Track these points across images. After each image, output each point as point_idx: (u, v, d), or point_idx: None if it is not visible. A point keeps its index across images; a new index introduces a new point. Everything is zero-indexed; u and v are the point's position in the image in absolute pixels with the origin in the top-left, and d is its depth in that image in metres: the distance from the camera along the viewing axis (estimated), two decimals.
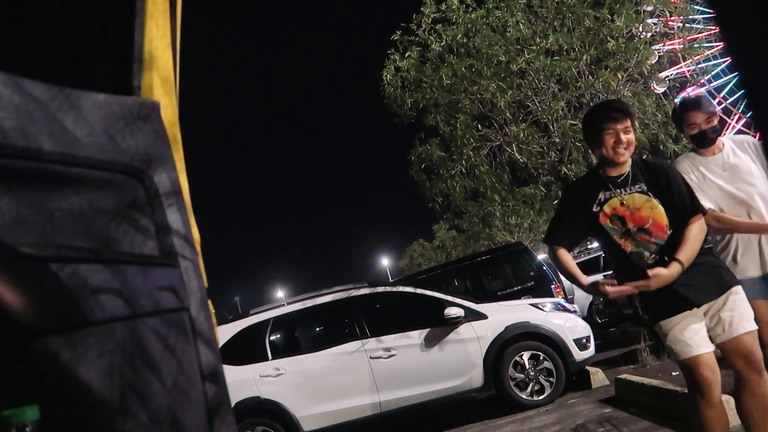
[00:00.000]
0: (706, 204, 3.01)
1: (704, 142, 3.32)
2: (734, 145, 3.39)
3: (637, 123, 7.57)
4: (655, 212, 2.67)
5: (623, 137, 2.68)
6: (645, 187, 2.70)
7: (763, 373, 2.57)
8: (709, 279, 2.68)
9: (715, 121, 3.32)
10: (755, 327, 2.64)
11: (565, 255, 2.87)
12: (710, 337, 2.67)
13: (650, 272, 2.57)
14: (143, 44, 1.17)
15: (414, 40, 8.66)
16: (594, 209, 2.75)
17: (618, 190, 2.73)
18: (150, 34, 1.18)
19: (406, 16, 8.75)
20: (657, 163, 2.87)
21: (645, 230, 2.68)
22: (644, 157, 2.94)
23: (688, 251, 2.61)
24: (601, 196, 2.74)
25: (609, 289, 2.63)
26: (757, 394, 2.56)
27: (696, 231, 2.66)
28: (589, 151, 7.89)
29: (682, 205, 2.70)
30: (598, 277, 12.83)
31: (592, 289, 2.72)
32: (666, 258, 2.63)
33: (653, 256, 2.68)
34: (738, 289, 2.70)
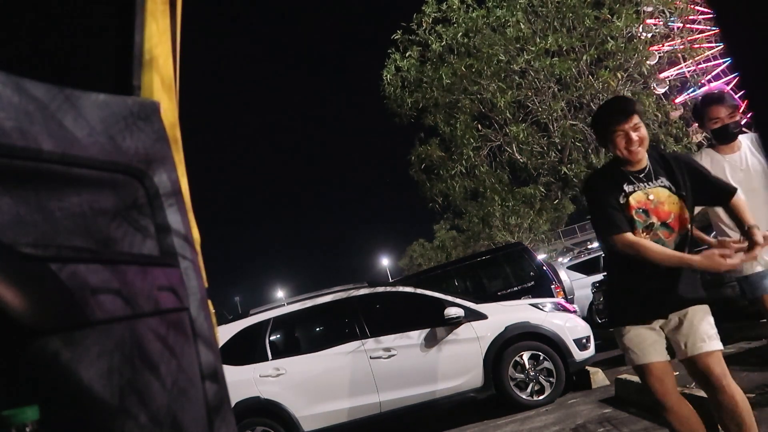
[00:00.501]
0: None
1: (726, 137, 3.29)
2: (750, 143, 3.36)
3: None
4: (677, 207, 2.65)
5: (633, 135, 2.63)
6: (667, 182, 2.68)
7: (726, 388, 2.54)
8: (682, 288, 2.64)
9: (738, 116, 3.29)
10: (715, 348, 2.58)
11: (640, 239, 2.63)
12: (672, 346, 2.67)
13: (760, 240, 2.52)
14: (143, 44, 1.17)
15: (414, 39, 8.66)
16: (621, 200, 2.68)
17: (642, 184, 2.68)
18: (150, 35, 1.18)
19: (406, 16, 8.76)
20: (675, 157, 2.84)
21: (667, 225, 2.65)
22: (660, 151, 2.91)
23: (747, 216, 2.63)
24: (627, 188, 2.68)
25: (728, 261, 2.49)
26: (725, 407, 2.55)
27: (743, 203, 2.67)
28: (589, 151, 7.91)
29: (718, 188, 2.73)
30: (598, 277, 12.76)
31: (705, 262, 2.52)
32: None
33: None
34: (705, 309, 2.67)
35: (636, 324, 2.71)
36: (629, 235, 2.62)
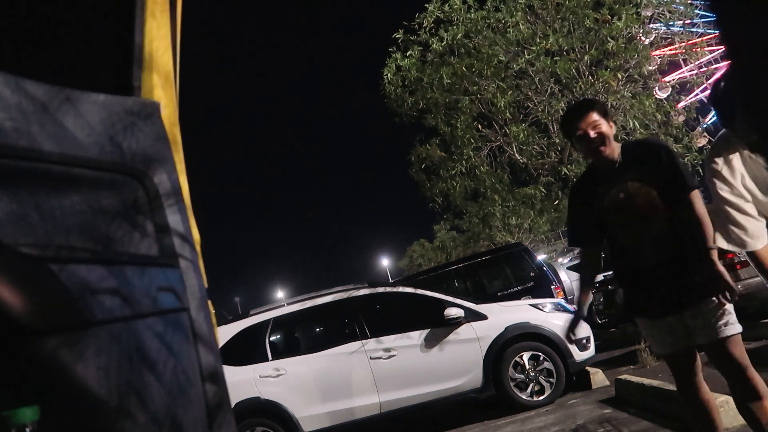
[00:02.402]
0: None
1: None
2: None
3: (637, 123, 7.56)
4: (651, 197, 2.61)
5: (591, 133, 2.63)
6: (638, 173, 2.65)
7: (747, 371, 2.54)
8: (695, 282, 2.58)
9: None
10: (732, 332, 2.54)
11: (587, 258, 2.98)
12: (692, 335, 2.65)
13: (724, 276, 2.46)
14: (143, 45, 1.17)
15: (416, 39, 8.66)
16: (596, 205, 2.73)
17: (612, 182, 2.69)
18: (150, 35, 1.18)
19: (407, 15, 8.76)
20: (644, 143, 2.83)
21: (643, 217, 2.63)
22: (636, 141, 2.91)
23: (709, 233, 2.53)
24: (599, 190, 2.72)
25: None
26: (744, 394, 2.56)
27: (702, 210, 2.57)
28: None
29: (672, 181, 2.61)
30: (598, 277, 12.74)
31: (578, 312, 2.89)
32: (662, 254, 2.60)
33: (648, 249, 2.62)
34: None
35: (645, 317, 2.76)
36: (583, 251, 2.94)
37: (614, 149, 2.69)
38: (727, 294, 2.49)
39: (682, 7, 8.47)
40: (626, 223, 2.67)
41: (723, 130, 2.57)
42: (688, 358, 2.71)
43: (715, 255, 2.52)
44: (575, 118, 2.70)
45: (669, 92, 9.23)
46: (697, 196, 2.60)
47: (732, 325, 2.56)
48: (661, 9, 8.43)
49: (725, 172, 2.48)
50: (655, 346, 2.82)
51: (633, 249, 2.69)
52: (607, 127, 2.66)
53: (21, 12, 1.14)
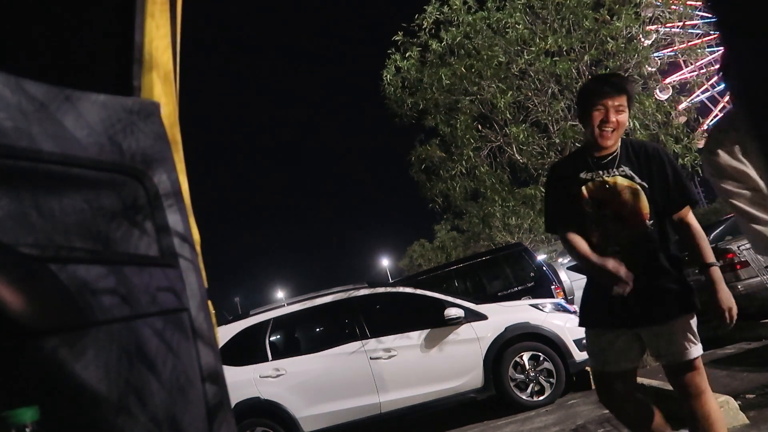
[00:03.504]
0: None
1: None
2: None
3: (637, 123, 7.56)
4: (636, 199, 2.43)
5: (612, 117, 2.42)
6: (630, 171, 2.47)
7: (703, 395, 2.43)
8: (665, 300, 2.42)
9: None
10: (695, 354, 2.41)
11: (574, 237, 2.52)
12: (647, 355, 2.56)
13: (723, 304, 2.34)
14: (143, 45, 1.17)
15: (416, 41, 8.66)
16: (573, 189, 2.52)
17: (600, 171, 2.49)
18: (150, 35, 1.18)
19: (407, 16, 8.75)
20: (646, 145, 2.60)
21: (620, 218, 2.45)
22: (637, 141, 2.67)
23: (709, 248, 2.41)
24: (583, 176, 2.51)
25: (623, 282, 2.34)
26: (698, 417, 2.44)
27: (698, 228, 2.45)
28: None
29: (670, 193, 2.46)
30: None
31: (604, 273, 2.38)
32: (630, 262, 2.38)
33: (617, 253, 2.42)
34: (688, 317, 2.43)
35: (602, 327, 2.54)
36: (566, 234, 2.55)
37: (618, 141, 2.52)
38: (730, 314, 2.34)
39: (681, 8, 8.46)
40: (600, 218, 2.48)
41: (719, 121, 2.33)
42: (631, 379, 2.61)
43: (718, 272, 2.38)
44: (604, 92, 2.44)
45: (669, 94, 9.22)
46: (691, 213, 2.48)
47: (696, 347, 2.41)
48: (660, 9, 8.42)
49: (733, 164, 2.10)
50: (597, 362, 2.58)
51: (599, 247, 2.47)
52: (626, 117, 2.48)
53: (20, 12, 1.14)
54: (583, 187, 2.50)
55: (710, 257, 2.40)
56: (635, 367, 2.63)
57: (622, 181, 2.46)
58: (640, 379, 5.10)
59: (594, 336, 2.59)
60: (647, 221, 2.44)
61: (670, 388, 4.51)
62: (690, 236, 2.46)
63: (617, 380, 2.57)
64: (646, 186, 2.45)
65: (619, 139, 2.53)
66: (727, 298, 2.35)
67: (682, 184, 2.50)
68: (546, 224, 2.80)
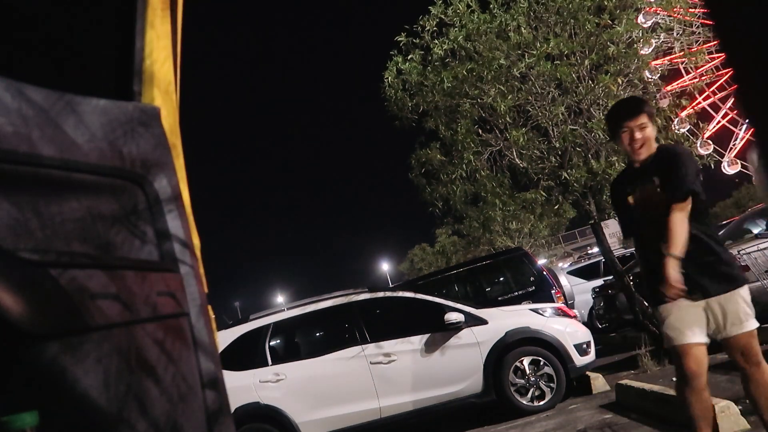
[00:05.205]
0: None
1: None
2: None
3: None
4: (663, 199, 2.80)
5: (637, 135, 2.83)
6: (656, 178, 2.85)
7: (762, 364, 2.74)
8: (718, 273, 2.78)
9: None
10: (752, 326, 2.75)
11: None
12: (711, 330, 2.82)
13: (670, 280, 2.68)
14: (144, 50, 1.17)
15: (418, 43, 8.66)
16: (624, 199, 2.96)
17: (638, 181, 2.91)
18: (150, 40, 1.18)
19: (409, 18, 8.76)
20: (669, 150, 2.97)
21: (656, 219, 2.79)
22: (667, 147, 3.06)
23: (677, 242, 2.72)
24: (627, 188, 2.96)
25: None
26: (759, 383, 2.74)
27: (677, 220, 2.75)
28: (589, 155, 7.90)
29: (671, 188, 2.80)
30: (598, 282, 12.77)
31: (675, 264, 2.70)
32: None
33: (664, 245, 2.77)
34: (742, 290, 2.79)
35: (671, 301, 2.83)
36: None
37: (652, 150, 2.90)
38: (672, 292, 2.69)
39: (681, 15, 8.48)
40: (650, 217, 2.85)
41: None
42: (703, 355, 2.82)
43: (671, 264, 2.69)
44: (625, 116, 2.87)
45: (668, 102, 9.23)
46: (680, 207, 2.77)
47: (752, 320, 2.76)
48: (660, 16, 8.44)
49: None
50: (677, 335, 2.84)
51: (656, 242, 2.80)
52: (651, 130, 2.88)
53: (21, 19, 1.15)
54: (629, 197, 2.95)
55: (671, 249, 2.72)
56: (706, 344, 2.86)
57: (651, 188, 2.86)
58: (640, 384, 5.10)
59: (668, 310, 2.85)
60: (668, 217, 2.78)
61: (672, 393, 4.51)
62: (669, 224, 2.77)
63: (699, 353, 2.80)
64: (666, 188, 2.83)
65: (654, 149, 2.90)
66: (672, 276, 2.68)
67: (679, 178, 2.80)
68: (622, 230, 3.17)
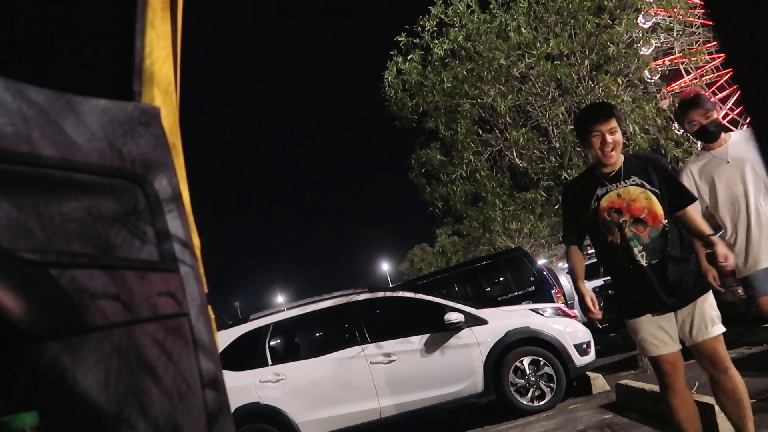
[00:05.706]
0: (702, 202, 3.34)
1: (707, 137, 3.43)
2: (742, 138, 3.45)
3: (637, 128, 7.56)
4: (651, 203, 2.82)
5: (608, 138, 2.83)
6: (639, 180, 2.86)
7: (729, 370, 2.80)
8: (684, 284, 2.83)
9: (715, 116, 3.46)
10: (718, 332, 2.82)
11: (574, 253, 3.08)
12: (682, 335, 2.88)
13: (721, 258, 2.73)
14: (144, 50, 1.17)
15: (418, 43, 8.66)
16: (592, 205, 2.91)
17: (613, 185, 2.88)
18: (150, 40, 1.18)
19: (410, 18, 8.76)
20: (648, 157, 3.07)
21: (641, 220, 2.82)
22: (636, 154, 3.18)
23: (705, 227, 2.86)
24: (598, 192, 2.91)
25: (591, 312, 2.86)
26: (726, 389, 2.80)
27: (696, 216, 2.89)
28: (589, 155, 7.91)
29: (678, 193, 2.90)
30: (598, 282, 12.76)
31: (581, 300, 2.88)
32: (654, 255, 2.81)
33: (642, 250, 2.81)
34: (707, 296, 2.87)
35: (644, 315, 2.89)
36: (570, 247, 3.09)
37: (620, 156, 2.92)
38: (726, 263, 2.73)
39: (681, 15, 8.48)
40: (622, 224, 2.85)
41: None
42: (678, 360, 2.90)
43: (716, 238, 2.79)
44: (596, 120, 2.87)
45: (668, 102, 9.23)
46: (683, 212, 2.89)
47: (718, 326, 2.83)
48: (660, 17, 8.45)
49: None
50: (652, 348, 2.92)
51: (624, 248, 2.85)
52: (620, 135, 2.90)
53: (21, 17, 1.15)
54: (602, 200, 2.89)
55: (709, 232, 2.84)
56: (680, 351, 2.93)
57: (634, 190, 2.85)
58: (640, 384, 5.10)
59: (640, 324, 2.92)
60: (663, 221, 2.83)
61: None
62: (693, 221, 2.89)
63: (674, 358, 2.87)
64: (658, 192, 2.84)
65: (621, 155, 2.93)
66: (723, 252, 2.76)
67: (681, 187, 2.99)
68: (564, 238, 3.23)
